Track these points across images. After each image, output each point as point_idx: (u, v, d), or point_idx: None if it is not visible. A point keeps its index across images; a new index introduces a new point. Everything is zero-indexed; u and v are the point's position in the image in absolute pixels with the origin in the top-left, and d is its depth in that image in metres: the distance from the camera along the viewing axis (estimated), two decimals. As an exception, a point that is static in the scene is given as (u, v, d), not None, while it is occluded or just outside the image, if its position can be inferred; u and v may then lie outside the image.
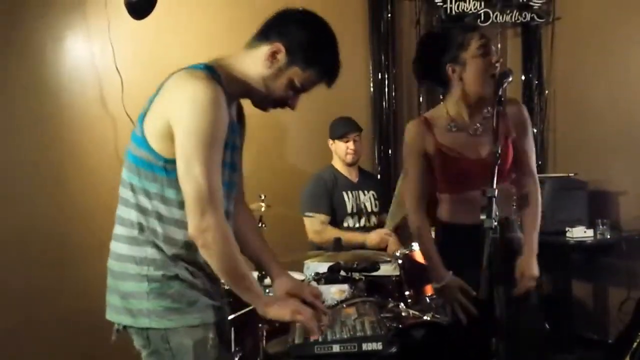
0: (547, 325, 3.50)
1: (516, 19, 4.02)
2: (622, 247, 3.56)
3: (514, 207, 2.32)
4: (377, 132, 4.12)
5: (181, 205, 1.56)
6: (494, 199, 1.80)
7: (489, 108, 2.22)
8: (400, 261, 2.69)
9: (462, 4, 4.00)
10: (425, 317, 2.42)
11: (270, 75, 1.63)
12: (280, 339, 2.42)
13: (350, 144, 3.41)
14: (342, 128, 3.41)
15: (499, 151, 1.89)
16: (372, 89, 4.15)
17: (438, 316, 2.42)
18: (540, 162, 3.86)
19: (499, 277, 1.90)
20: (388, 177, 4.07)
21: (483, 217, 1.80)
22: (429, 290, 2.55)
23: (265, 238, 2.90)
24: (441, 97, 2.37)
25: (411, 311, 2.47)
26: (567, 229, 3.50)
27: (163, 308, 1.58)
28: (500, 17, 4.01)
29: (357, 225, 3.41)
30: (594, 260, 3.76)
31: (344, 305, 2.28)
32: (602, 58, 3.79)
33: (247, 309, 2.49)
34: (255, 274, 2.40)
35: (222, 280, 1.65)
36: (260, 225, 2.92)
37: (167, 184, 1.57)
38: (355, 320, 1.94)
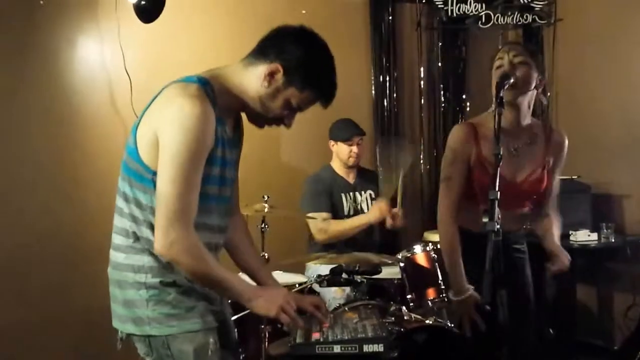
0: (551, 331, 3.47)
1: (517, 20, 4.01)
2: (626, 251, 3.53)
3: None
4: (378, 134, 4.11)
5: None
6: (496, 202, 1.78)
7: (536, 134, 2.24)
8: (402, 264, 2.66)
9: (463, 6, 3.99)
10: (427, 321, 2.40)
11: (267, 94, 1.64)
12: (283, 340, 2.40)
13: (354, 148, 3.39)
14: (346, 131, 3.39)
15: (500, 153, 1.86)
16: (373, 91, 4.15)
17: (440, 320, 2.39)
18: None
19: (502, 281, 1.87)
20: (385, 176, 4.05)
21: (485, 220, 1.78)
22: (431, 293, 2.53)
23: (268, 239, 2.90)
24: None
25: (413, 315, 2.44)
26: (570, 232, 3.47)
27: (163, 315, 1.59)
28: (502, 19, 4.00)
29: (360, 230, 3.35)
30: (598, 264, 3.73)
31: (346, 309, 2.26)
32: (605, 59, 3.77)
33: (247, 311, 2.47)
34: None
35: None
36: (263, 226, 2.92)
37: (155, 195, 1.57)
38: (357, 323, 1.93)
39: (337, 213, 3.36)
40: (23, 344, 3.12)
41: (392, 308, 2.45)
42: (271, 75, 1.61)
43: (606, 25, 3.76)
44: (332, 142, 3.46)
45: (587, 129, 3.82)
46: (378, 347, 1.73)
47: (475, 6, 3.99)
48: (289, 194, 3.46)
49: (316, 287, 2.73)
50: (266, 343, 2.59)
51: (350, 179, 3.46)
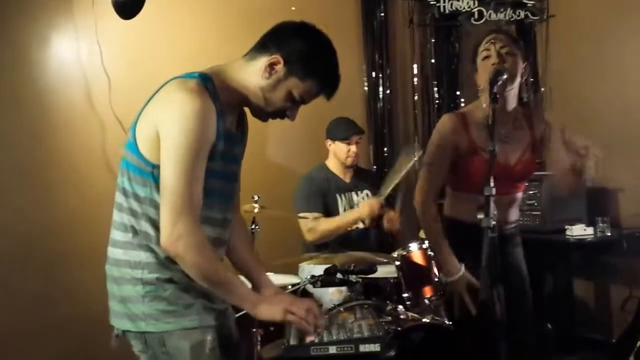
0: (549, 326, 3.47)
1: (510, 17, 4.00)
2: (622, 244, 3.53)
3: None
4: (371, 131, 4.10)
5: None
6: (491, 199, 1.77)
7: (520, 118, 2.28)
8: (398, 262, 2.64)
9: (455, 2, 3.99)
10: (424, 320, 2.39)
11: (268, 86, 1.64)
12: (276, 343, 2.38)
13: (353, 147, 3.35)
14: (345, 130, 3.35)
15: (495, 149, 1.86)
16: (366, 88, 4.13)
17: (437, 318, 2.38)
18: (538, 161, 3.83)
19: (498, 276, 1.87)
20: (383, 176, 4.03)
21: (481, 216, 1.77)
22: (427, 292, 2.52)
23: (259, 240, 2.85)
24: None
25: (410, 313, 2.43)
26: (566, 227, 3.47)
27: (159, 311, 1.58)
28: (494, 15, 3.99)
29: (350, 227, 3.32)
30: (594, 258, 3.73)
31: (342, 309, 2.25)
32: (597, 55, 3.77)
33: (240, 313, 2.45)
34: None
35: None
36: (253, 226, 2.87)
37: (155, 188, 1.58)
38: (353, 322, 1.92)
39: (331, 214, 3.30)
40: (7, 353, 3.02)
41: (389, 307, 2.45)
42: (271, 66, 1.62)
43: (598, 21, 3.77)
44: (329, 141, 3.40)
45: (581, 124, 3.81)
46: (375, 347, 1.72)
47: (468, 2, 3.98)
48: (278, 193, 3.39)
49: (310, 288, 2.68)
50: (258, 346, 2.54)
51: (347, 178, 3.42)
